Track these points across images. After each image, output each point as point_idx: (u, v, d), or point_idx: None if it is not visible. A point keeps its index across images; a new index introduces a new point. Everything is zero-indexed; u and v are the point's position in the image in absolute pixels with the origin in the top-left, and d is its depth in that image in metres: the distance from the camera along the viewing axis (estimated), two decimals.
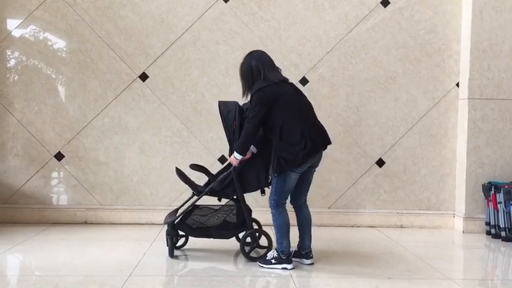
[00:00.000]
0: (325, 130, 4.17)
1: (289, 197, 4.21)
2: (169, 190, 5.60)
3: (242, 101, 4.33)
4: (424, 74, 5.70)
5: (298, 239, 4.24)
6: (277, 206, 4.09)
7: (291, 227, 4.12)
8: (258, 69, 4.08)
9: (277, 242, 4.10)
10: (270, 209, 4.13)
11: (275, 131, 3.98)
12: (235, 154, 4.09)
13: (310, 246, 4.22)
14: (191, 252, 4.51)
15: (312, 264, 4.19)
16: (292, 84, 4.23)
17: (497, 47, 5.49)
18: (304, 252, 4.21)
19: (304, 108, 4.12)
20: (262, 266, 4.10)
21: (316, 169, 4.27)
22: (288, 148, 3.94)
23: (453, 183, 5.72)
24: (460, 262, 4.78)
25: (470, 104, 5.51)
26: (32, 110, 5.56)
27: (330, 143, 4.17)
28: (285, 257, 4.07)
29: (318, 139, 4.06)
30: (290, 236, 4.11)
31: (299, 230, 4.23)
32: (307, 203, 4.29)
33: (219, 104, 4.31)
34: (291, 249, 4.14)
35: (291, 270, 4.01)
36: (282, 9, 5.62)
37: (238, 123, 4.15)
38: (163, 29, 5.59)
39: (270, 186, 4.18)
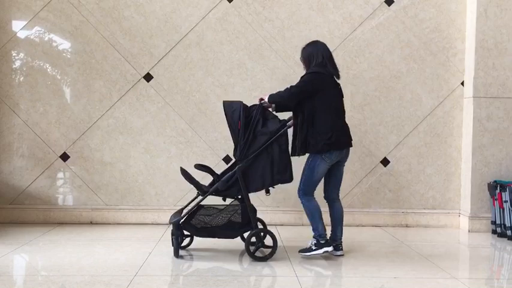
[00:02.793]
0: (350, 132, 4.48)
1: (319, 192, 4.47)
2: (174, 190, 5.61)
3: (248, 101, 4.36)
4: (428, 73, 5.69)
5: (330, 232, 4.45)
6: (305, 195, 4.35)
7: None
8: (321, 55, 4.35)
9: (313, 229, 4.33)
10: (299, 199, 4.38)
11: (309, 115, 4.25)
12: (268, 97, 4.31)
13: (341, 238, 4.45)
14: (196, 252, 4.52)
15: (342, 255, 4.40)
16: (338, 84, 4.49)
17: (502, 45, 5.47)
18: (335, 244, 4.39)
19: (339, 107, 4.44)
20: (305, 255, 4.32)
21: None
22: (315, 135, 4.24)
23: (458, 182, 5.71)
24: (465, 261, 4.77)
25: (475, 102, 5.49)
26: (38, 110, 5.58)
27: (352, 144, 4.47)
28: (324, 241, 4.30)
29: (342, 137, 4.35)
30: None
31: (332, 222, 4.47)
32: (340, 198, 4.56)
33: (223, 104, 4.32)
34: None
35: (296, 271, 4.01)
36: (286, 8, 5.62)
37: (243, 122, 4.18)
38: (167, 29, 5.60)
39: (301, 177, 4.35)
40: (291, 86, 4.31)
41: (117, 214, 5.62)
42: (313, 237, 4.34)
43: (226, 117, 4.29)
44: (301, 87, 4.28)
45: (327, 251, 4.29)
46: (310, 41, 4.52)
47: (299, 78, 4.41)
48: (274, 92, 4.37)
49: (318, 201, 4.40)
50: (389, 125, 5.70)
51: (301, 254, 4.36)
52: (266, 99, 4.34)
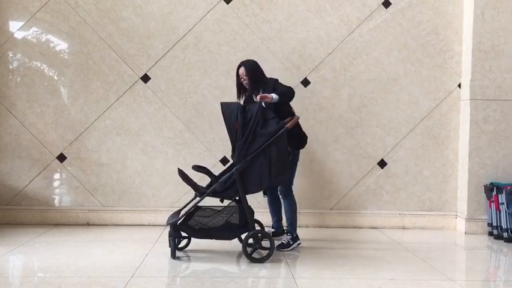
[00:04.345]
0: None
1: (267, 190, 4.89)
2: (172, 191, 5.61)
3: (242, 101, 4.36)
4: (425, 75, 5.70)
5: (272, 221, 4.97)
6: (291, 190, 4.70)
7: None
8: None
9: (290, 225, 4.67)
10: (285, 197, 4.69)
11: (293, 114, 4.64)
12: (275, 96, 4.41)
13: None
14: (193, 253, 4.52)
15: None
16: None
17: (499, 48, 5.49)
18: (281, 230, 4.94)
19: None
20: (287, 250, 4.58)
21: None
22: (302, 132, 4.78)
23: (455, 184, 5.72)
24: (462, 263, 4.78)
25: (472, 105, 5.50)
26: (34, 111, 5.57)
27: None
28: (295, 234, 4.69)
29: None
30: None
31: (279, 214, 4.94)
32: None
33: (221, 105, 4.33)
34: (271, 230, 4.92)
35: (293, 272, 4.02)
36: (283, 10, 5.63)
37: (241, 123, 4.19)
38: (165, 30, 5.60)
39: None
40: (282, 88, 4.57)
41: (114, 215, 5.60)
42: (288, 233, 4.68)
43: (224, 118, 4.29)
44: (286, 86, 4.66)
45: (299, 243, 4.70)
46: (242, 60, 4.79)
47: (282, 82, 4.71)
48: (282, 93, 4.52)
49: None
50: (387, 127, 5.71)
51: (282, 250, 4.56)
52: (274, 97, 4.41)
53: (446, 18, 5.69)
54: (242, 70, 4.68)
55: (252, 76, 4.63)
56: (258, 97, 4.41)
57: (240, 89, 4.77)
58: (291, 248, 4.62)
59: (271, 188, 4.83)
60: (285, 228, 4.86)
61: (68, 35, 5.58)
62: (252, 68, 4.66)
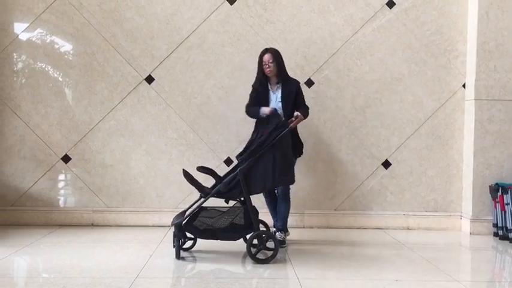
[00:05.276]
0: None
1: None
2: (176, 192, 5.61)
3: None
4: (430, 75, 5.69)
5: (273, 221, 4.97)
6: (289, 192, 4.81)
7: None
8: None
9: (284, 223, 4.79)
10: (284, 199, 4.76)
11: None
12: (305, 114, 4.66)
13: None
14: (198, 253, 4.52)
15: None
16: None
17: (503, 48, 5.47)
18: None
19: None
20: (284, 246, 4.71)
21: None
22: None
23: (460, 185, 5.70)
24: (467, 264, 4.76)
25: (476, 105, 5.49)
26: (39, 112, 5.58)
27: None
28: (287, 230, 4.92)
29: None
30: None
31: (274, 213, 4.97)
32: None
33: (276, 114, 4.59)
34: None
35: (297, 273, 4.02)
36: (287, 11, 5.62)
37: (269, 131, 4.35)
38: (168, 31, 5.60)
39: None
40: (304, 103, 4.79)
41: (118, 216, 5.61)
42: (281, 230, 4.76)
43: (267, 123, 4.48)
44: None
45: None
46: (267, 47, 4.86)
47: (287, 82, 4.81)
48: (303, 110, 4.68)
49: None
50: (391, 127, 5.70)
51: (282, 247, 4.63)
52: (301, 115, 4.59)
53: (451, 18, 5.67)
54: (268, 56, 4.72)
55: (278, 63, 4.72)
56: (297, 119, 4.54)
57: (264, 77, 4.80)
58: (286, 244, 4.77)
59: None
60: (272, 226, 4.89)
61: (72, 36, 5.59)
62: (278, 54, 4.75)
